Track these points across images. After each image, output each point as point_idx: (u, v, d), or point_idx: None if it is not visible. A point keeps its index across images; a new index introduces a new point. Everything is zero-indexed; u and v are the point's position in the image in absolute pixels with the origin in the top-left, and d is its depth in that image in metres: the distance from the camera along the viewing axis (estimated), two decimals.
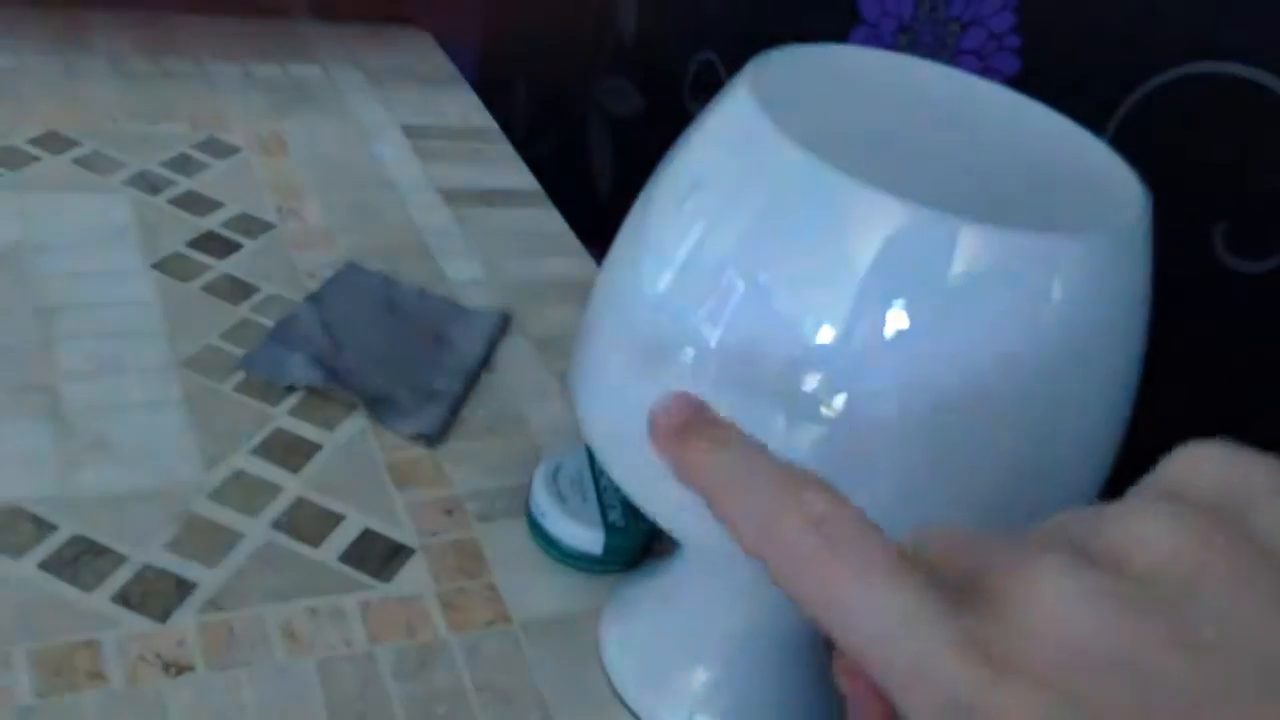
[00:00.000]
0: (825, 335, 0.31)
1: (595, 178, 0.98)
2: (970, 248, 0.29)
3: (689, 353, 0.34)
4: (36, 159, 0.69)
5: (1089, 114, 0.53)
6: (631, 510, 0.50)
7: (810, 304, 0.31)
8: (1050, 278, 0.30)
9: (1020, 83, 0.58)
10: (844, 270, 0.31)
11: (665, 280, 0.35)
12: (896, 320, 0.31)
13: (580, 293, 0.70)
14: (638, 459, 0.36)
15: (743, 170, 0.33)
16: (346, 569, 0.48)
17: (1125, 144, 0.40)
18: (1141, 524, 0.20)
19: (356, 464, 0.53)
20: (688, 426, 0.25)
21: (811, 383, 0.32)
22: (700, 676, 0.44)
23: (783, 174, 0.31)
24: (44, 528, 0.46)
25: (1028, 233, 0.30)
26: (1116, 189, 0.34)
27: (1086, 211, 0.32)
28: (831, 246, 0.31)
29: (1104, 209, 0.32)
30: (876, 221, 0.30)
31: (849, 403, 0.31)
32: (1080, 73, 0.55)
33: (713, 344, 0.33)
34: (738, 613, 0.43)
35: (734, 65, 0.80)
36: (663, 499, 0.36)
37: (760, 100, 0.33)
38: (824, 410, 0.32)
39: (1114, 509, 0.21)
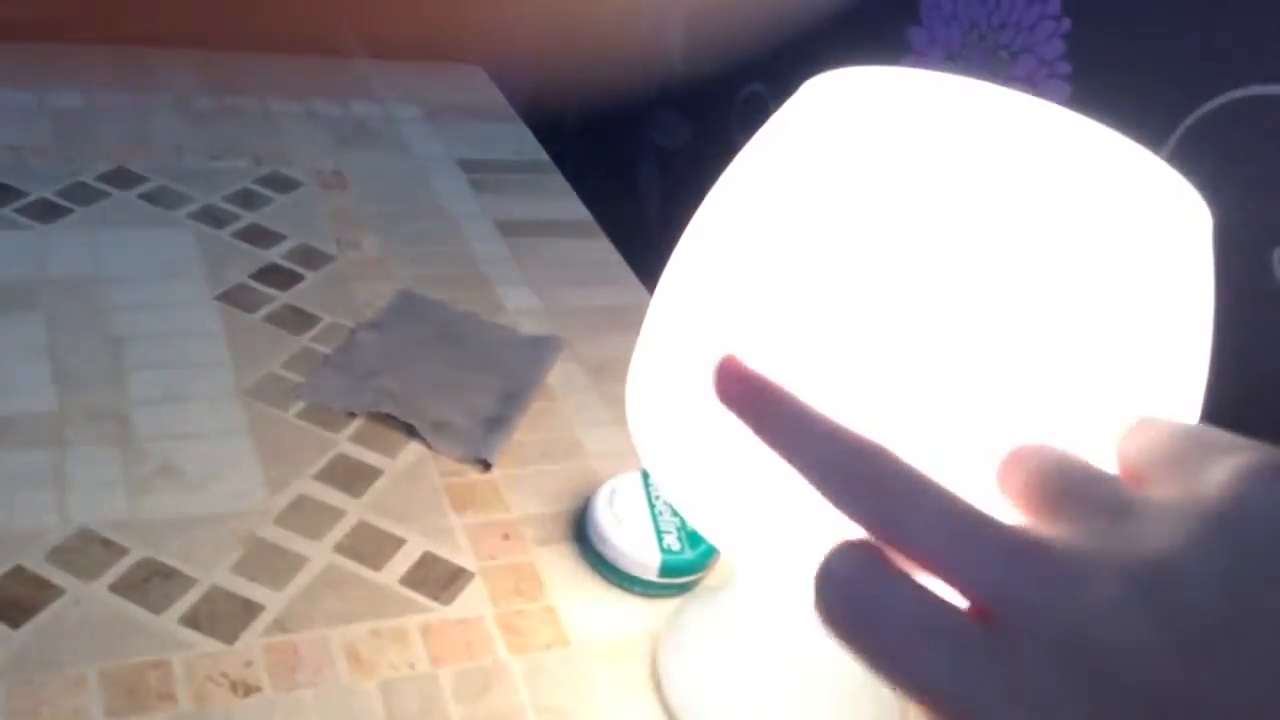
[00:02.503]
0: (881, 351, 0.31)
1: (644, 208, 0.99)
2: (1030, 266, 0.30)
3: None
4: (106, 194, 0.71)
5: (1143, 139, 0.53)
6: (688, 534, 0.51)
7: (864, 322, 0.32)
8: (1113, 295, 0.30)
9: (1071, 109, 0.59)
10: (902, 286, 0.31)
11: (721, 304, 0.35)
12: (950, 334, 0.31)
13: (632, 320, 0.70)
14: (696, 482, 0.37)
15: (798, 192, 0.33)
16: (408, 591, 0.49)
17: (1180, 168, 0.40)
18: None
19: (416, 489, 0.54)
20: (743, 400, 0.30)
21: (865, 398, 0.32)
22: (759, 700, 0.44)
23: (840, 195, 0.32)
24: (114, 551, 0.48)
25: (1089, 249, 0.30)
26: (1178, 208, 0.34)
27: (1148, 229, 0.32)
28: (885, 267, 0.31)
29: (1166, 228, 0.33)
30: (933, 240, 0.30)
31: (904, 419, 0.32)
32: (1133, 98, 0.55)
33: (770, 366, 0.33)
34: (796, 636, 0.43)
35: (781, 97, 0.81)
36: (723, 523, 0.37)
37: (816, 121, 0.34)
38: (876, 425, 0.32)
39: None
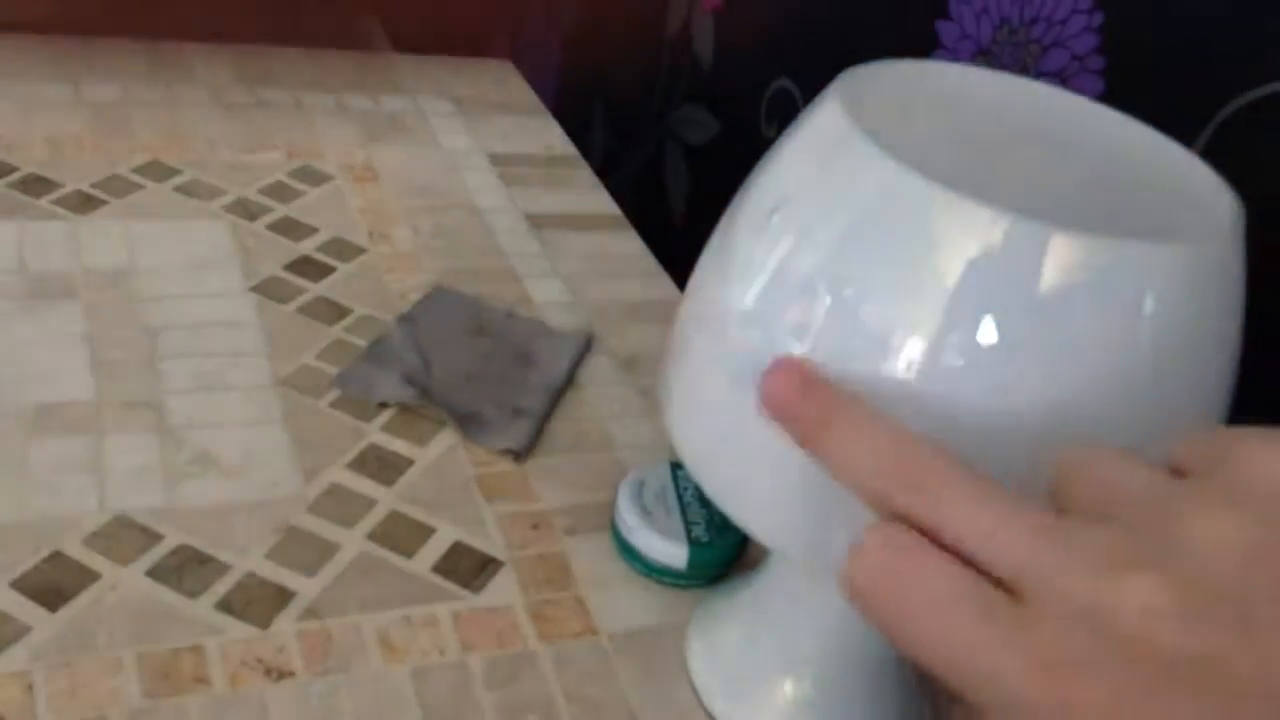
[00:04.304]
0: (915, 348, 0.32)
1: (671, 203, 1.00)
2: (1062, 257, 0.30)
3: None
4: (140, 186, 0.72)
5: (1176, 133, 0.53)
6: (716, 525, 0.51)
7: (900, 316, 0.32)
8: (1143, 288, 0.30)
9: (1104, 104, 0.58)
10: (934, 282, 0.31)
11: (752, 295, 0.35)
12: (987, 332, 0.31)
13: (660, 313, 0.71)
14: (728, 471, 0.37)
15: (832, 183, 0.33)
16: (438, 580, 0.49)
17: (1213, 162, 0.40)
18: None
19: (447, 478, 0.54)
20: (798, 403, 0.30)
21: (901, 395, 0.32)
22: (788, 690, 0.44)
23: (874, 185, 0.32)
24: (151, 537, 0.48)
25: (1120, 241, 0.30)
26: (1208, 200, 0.34)
27: (1178, 222, 0.32)
28: (922, 258, 0.31)
29: (1196, 219, 0.32)
30: (968, 231, 0.30)
31: (939, 416, 0.32)
32: (1167, 92, 0.54)
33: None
34: (826, 627, 0.43)
35: (810, 92, 0.81)
36: (755, 510, 0.37)
37: (850, 113, 0.34)
38: (914, 423, 0.32)
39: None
